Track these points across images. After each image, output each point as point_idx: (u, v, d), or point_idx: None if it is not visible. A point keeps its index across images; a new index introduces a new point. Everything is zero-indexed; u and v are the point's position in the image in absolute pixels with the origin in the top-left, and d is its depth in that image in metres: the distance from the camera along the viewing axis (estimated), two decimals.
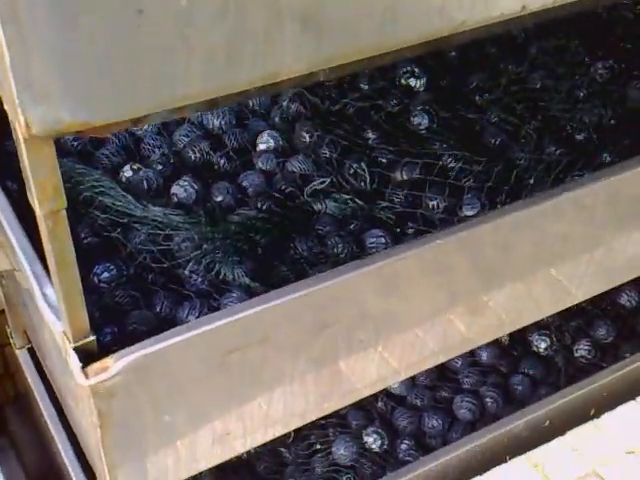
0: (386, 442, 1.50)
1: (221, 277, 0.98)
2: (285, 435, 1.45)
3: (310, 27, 0.66)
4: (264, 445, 1.43)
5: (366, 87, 1.33)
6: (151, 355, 0.76)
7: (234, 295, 0.97)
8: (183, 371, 0.81)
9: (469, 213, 1.14)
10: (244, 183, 1.17)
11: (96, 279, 0.95)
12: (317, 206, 1.11)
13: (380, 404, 1.56)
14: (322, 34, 0.67)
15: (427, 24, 0.72)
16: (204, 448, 0.92)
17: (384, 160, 1.21)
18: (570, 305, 1.28)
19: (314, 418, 1.06)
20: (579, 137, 1.24)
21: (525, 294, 1.18)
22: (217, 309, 0.97)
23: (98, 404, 0.76)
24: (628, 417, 1.45)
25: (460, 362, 1.60)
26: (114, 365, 0.74)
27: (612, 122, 1.26)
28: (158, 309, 0.96)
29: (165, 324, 0.94)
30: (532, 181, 1.15)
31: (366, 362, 1.03)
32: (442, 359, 1.21)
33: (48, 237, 0.69)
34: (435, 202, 1.14)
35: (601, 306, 1.67)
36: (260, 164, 1.22)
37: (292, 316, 0.88)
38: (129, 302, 0.95)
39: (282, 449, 1.48)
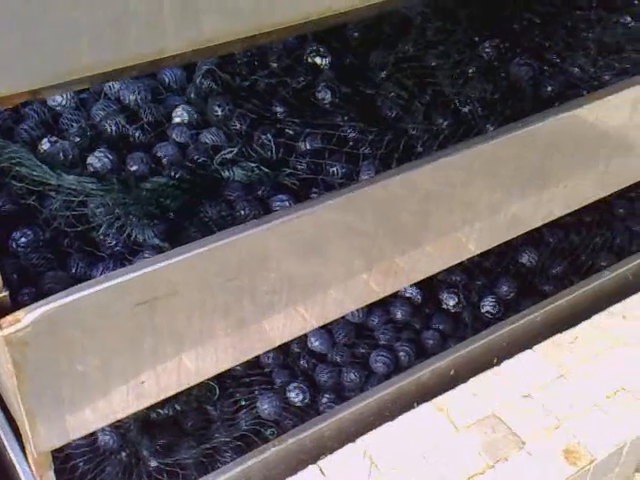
0: (308, 396, 1.61)
1: (133, 239, 1.06)
2: (211, 392, 1.56)
3: (189, 9, 0.74)
4: (190, 403, 1.54)
5: (275, 65, 1.42)
6: (61, 307, 0.84)
7: (146, 255, 1.05)
8: (93, 323, 0.89)
9: (366, 177, 1.25)
10: (158, 153, 1.25)
11: (14, 244, 1.03)
12: (225, 174, 1.20)
13: (303, 362, 1.67)
14: (201, 15, 0.75)
15: (300, 6, 0.81)
16: (119, 397, 1.00)
17: (290, 132, 1.31)
18: (465, 259, 1.40)
19: (226, 367, 1.15)
20: (465, 109, 1.35)
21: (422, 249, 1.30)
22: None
23: (13, 354, 0.84)
24: (525, 364, 1.59)
25: (377, 320, 1.72)
26: (25, 317, 0.82)
27: (495, 96, 1.37)
28: (73, 270, 1.04)
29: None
30: (421, 149, 1.26)
31: (272, 313, 1.13)
32: (347, 309, 1.32)
33: None
34: (335, 168, 1.25)
35: (504, 265, 1.81)
36: (174, 136, 1.30)
37: (196, 270, 0.97)
38: (45, 265, 1.02)
39: (208, 407, 1.57)
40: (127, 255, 1.06)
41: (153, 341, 0.99)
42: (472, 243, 1.34)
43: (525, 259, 1.83)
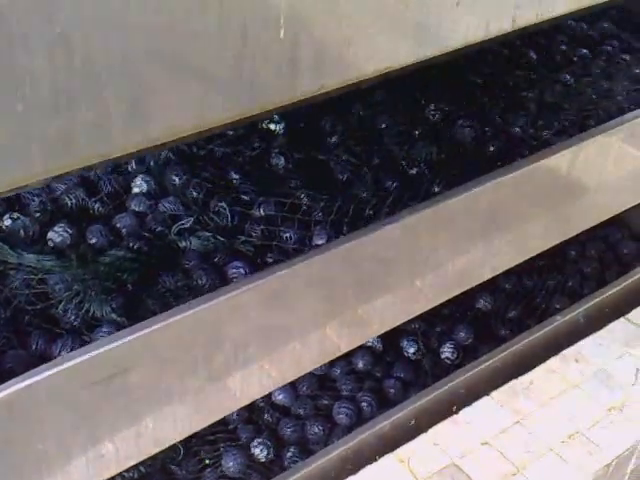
0: (272, 452, 1.63)
1: (91, 314, 1.10)
2: (175, 452, 1.58)
3: (136, 113, 0.79)
4: (155, 464, 1.55)
5: (231, 132, 1.47)
6: (17, 392, 0.87)
7: (104, 330, 1.09)
8: (51, 403, 0.92)
9: (319, 242, 1.30)
10: (118, 225, 1.30)
11: None
12: (182, 243, 1.24)
13: (267, 416, 1.70)
14: (148, 118, 0.81)
15: (237, 104, 0.87)
16: (80, 471, 1.03)
17: (246, 198, 1.36)
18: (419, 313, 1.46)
19: (188, 434, 1.18)
20: (412, 171, 1.42)
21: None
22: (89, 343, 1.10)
23: None
24: (483, 411, 1.64)
25: (339, 371, 1.76)
26: None
27: (441, 157, 1.44)
28: (34, 348, 1.07)
29: (40, 361, 1.05)
30: (371, 212, 1.32)
31: (231, 378, 1.17)
32: (310, 366, 1.37)
33: None
34: (288, 234, 1.30)
35: (461, 311, 1.87)
36: (133, 206, 1.34)
37: (150, 346, 1.01)
38: (6, 344, 1.05)
39: (173, 467, 1.59)
40: (86, 330, 1.09)
41: (112, 416, 1.02)
42: (423, 299, 1.40)
43: (481, 304, 1.89)
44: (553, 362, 1.74)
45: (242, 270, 1.24)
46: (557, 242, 1.67)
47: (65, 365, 0.92)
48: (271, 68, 0.89)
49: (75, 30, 0.72)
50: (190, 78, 0.83)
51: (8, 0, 0.68)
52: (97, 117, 0.78)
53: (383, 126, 1.54)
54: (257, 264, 1.27)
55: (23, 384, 0.89)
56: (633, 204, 1.82)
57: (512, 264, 1.54)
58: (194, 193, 1.35)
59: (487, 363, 1.71)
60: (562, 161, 1.42)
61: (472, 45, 1.08)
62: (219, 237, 1.26)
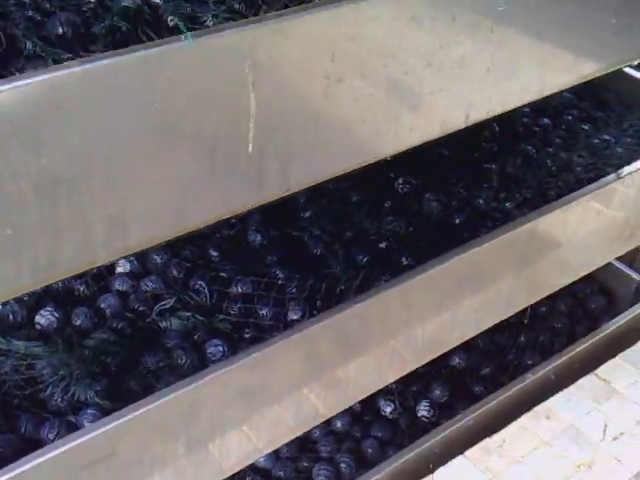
0: None
1: (76, 398, 1.17)
2: None
3: (117, 229, 0.87)
4: None
5: None
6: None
7: (88, 412, 1.16)
8: None
9: (294, 317, 1.38)
10: (102, 305, 1.37)
11: None
12: (163, 324, 1.32)
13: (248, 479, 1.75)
14: (128, 232, 0.89)
15: (209, 211, 0.95)
16: None
17: (224, 276, 1.44)
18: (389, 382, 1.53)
19: None
20: (382, 245, 1.50)
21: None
22: (75, 425, 1.16)
23: None
24: (457, 471, 1.70)
25: (318, 432, 1.82)
26: None
27: (410, 230, 1.53)
28: (22, 431, 1.13)
29: (29, 443, 1.11)
30: (344, 286, 1.40)
31: (212, 456, 1.24)
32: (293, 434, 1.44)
33: None
34: (265, 311, 1.37)
35: (436, 369, 1.94)
36: (117, 286, 1.41)
37: (133, 431, 1.07)
38: None
39: None
40: (72, 413, 1.16)
41: None
42: (392, 370, 1.48)
43: (455, 362, 1.97)
44: (525, 419, 1.81)
45: (220, 348, 1.31)
46: (525, 305, 1.75)
47: (51, 454, 0.99)
48: (240, 179, 0.98)
49: (59, 162, 0.81)
50: (165, 194, 0.91)
51: None
52: (80, 236, 0.86)
53: (354, 199, 1.62)
54: (235, 340, 1.34)
55: (11, 474, 0.95)
56: (600, 264, 1.91)
57: (477, 332, 1.62)
58: (174, 272, 1.43)
59: (461, 422, 1.78)
60: (525, 233, 1.52)
61: (428, 142, 1.18)
62: (198, 316, 1.33)
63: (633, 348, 1.99)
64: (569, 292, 2.15)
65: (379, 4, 1.01)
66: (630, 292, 2.18)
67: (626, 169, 1.66)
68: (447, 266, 1.43)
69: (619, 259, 2.20)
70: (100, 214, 0.86)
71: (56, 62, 1.00)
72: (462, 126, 1.20)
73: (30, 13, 1.11)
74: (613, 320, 2.06)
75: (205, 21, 1.12)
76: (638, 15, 1.38)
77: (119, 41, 1.06)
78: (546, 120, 1.94)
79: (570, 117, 1.95)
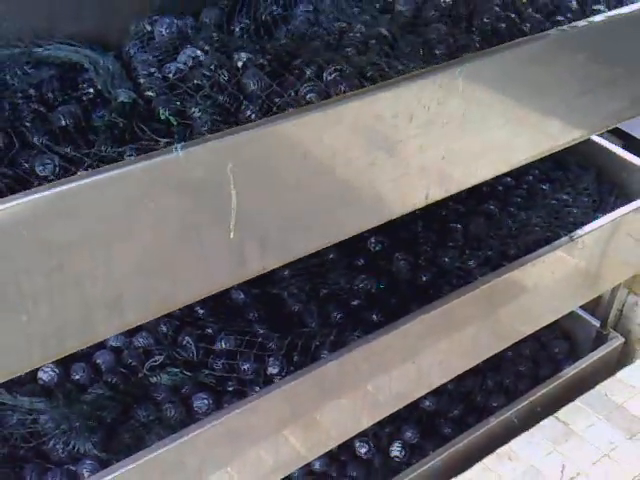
0: None
1: (76, 449, 1.30)
2: None
3: (115, 310, 1.02)
4: None
5: None
6: None
7: (87, 463, 1.29)
8: None
9: (273, 372, 1.52)
10: (97, 360, 1.50)
11: None
12: (154, 379, 1.45)
13: None
14: (124, 311, 1.03)
15: (197, 289, 1.10)
16: None
17: (210, 332, 1.58)
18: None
19: None
20: (354, 303, 1.65)
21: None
22: (75, 475, 1.30)
23: None
24: None
25: (297, 472, 1.95)
26: None
27: (381, 287, 1.68)
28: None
29: None
30: (318, 343, 1.55)
31: None
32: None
33: None
34: (246, 366, 1.51)
35: (408, 412, 2.07)
36: (111, 342, 1.55)
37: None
38: (4, 478, 1.25)
39: None
40: (72, 463, 1.29)
41: None
42: (366, 417, 1.62)
43: (426, 405, 2.11)
44: (489, 460, 1.95)
45: (206, 401, 1.45)
46: (492, 353, 1.90)
47: None
48: (224, 261, 1.12)
49: (69, 259, 0.95)
50: (158, 278, 1.06)
51: (13, 242, 0.91)
52: (84, 318, 1.00)
53: (330, 257, 1.77)
54: (219, 394, 1.48)
55: None
56: (563, 313, 2.07)
57: (442, 382, 1.76)
58: (164, 328, 1.56)
59: (430, 463, 1.92)
60: (488, 292, 1.67)
61: (392, 219, 1.33)
62: (185, 372, 1.47)
63: (591, 392, 2.14)
64: (534, 337, 2.29)
65: (344, 109, 1.17)
66: (590, 338, 2.33)
67: (578, 232, 1.82)
68: (415, 323, 1.58)
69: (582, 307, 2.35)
70: (101, 299, 1.01)
71: (61, 156, 1.15)
72: (423, 204, 1.36)
73: (35, 106, 1.26)
74: (573, 365, 2.21)
75: (193, 114, 1.28)
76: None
77: (117, 135, 1.21)
78: (509, 179, 2.10)
79: (531, 177, 2.11)
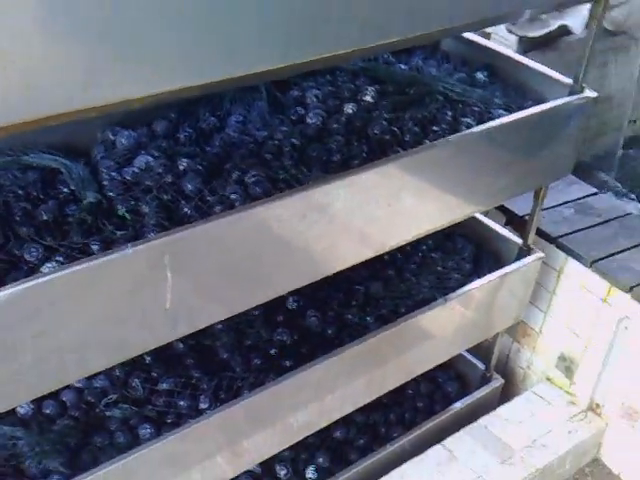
0: None
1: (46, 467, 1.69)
2: None
3: (81, 360, 1.43)
4: None
5: None
6: None
7: (55, 478, 1.68)
8: None
9: (204, 406, 1.92)
10: (64, 398, 1.89)
11: None
12: (108, 413, 1.85)
13: None
14: (88, 362, 1.44)
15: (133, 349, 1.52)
16: None
17: (155, 375, 1.98)
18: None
19: None
20: (272, 351, 2.07)
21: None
22: None
23: None
24: None
25: None
26: None
27: (295, 339, 2.11)
28: None
29: None
30: (240, 384, 1.96)
31: None
32: None
33: None
34: (182, 402, 1.92)
35: (321, 439, 2.48)
36: (75, 383, 1.94)
37: None
38: None
39: None
40: (44, 478, 1.68)
41: None
42: (280, 443, 2.04)
43: (337, 434, 2.52)
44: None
45: (149, 430, 1.85)
46: (385, 391, 2.33)
47: None
48: (158, 327, 1.54)
49: (51, 325, 1.36)
50: (115, 336, 1.47)
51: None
52: (56, 368, 1.41)
53: (254, 313, 2.20)
54: (160, 424, 1.88)
55: None
56: (450, 356, 2.53)
57: (344, 414, 2.19)
58: (117, 372, 1.96)
59: None
60: (381, 340, 2.11)
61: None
62: (133, 407, 1.87)
63: (473, 424, 2.59)
64: (430, 377, 2.74)
65: (254, 212, 1.61)
66: (477, 379, 2.79)
67: (452, 295, 2.29)
68: (321, 367, 2.01)
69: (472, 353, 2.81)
70: (72, 353, 1.42)
71: (43, 246, 1.56)
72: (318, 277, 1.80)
73: (23, 204, 1.67)
74: (460, 401, 2.66)
75: (142, 209, 1.70)
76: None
77: (85, 228, 1.62)
78: (408, 248, 2.56)
79: (425, 246, 2.57)
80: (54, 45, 1.13)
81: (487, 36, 3.56)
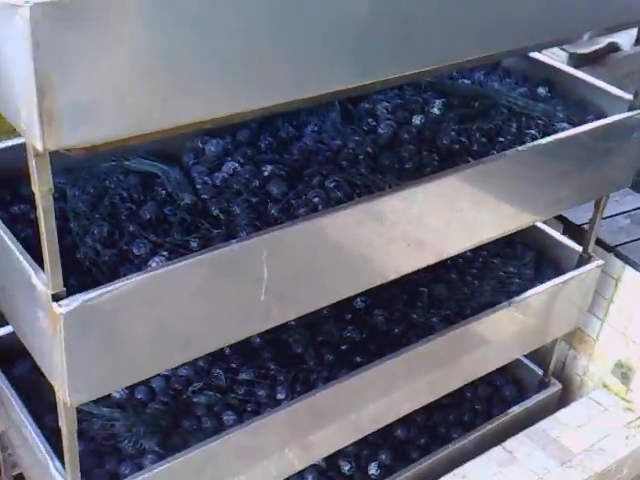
0: None
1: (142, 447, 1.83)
2: None
3: (184, 349, 1.57)
4: None
5: None
6: None
7: (149, 457, 1.83)
8: None
9: (281, 397, 2.05)
10: (153, 385, 2.03)
11: None
12: (196, 399, 1.99)
13: None
14: (190, 350, 1.58)
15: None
16: None
17: (234, 366, 2.11)
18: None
19: None
20: (343, 347, 2.19)
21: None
22: (140, 466, 1.83)
23: None
24: None
25: None
26: None
27: (363, 336, 2.23)
28: (107, 468, 1.79)
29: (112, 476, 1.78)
30: (316, 377, 2.08)
31: None
32: None
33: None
34: (261, 392, 2.05)
35: (383, 438, 2.58)
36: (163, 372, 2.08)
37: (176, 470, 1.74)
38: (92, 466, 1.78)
39: None
40: (139, 457, 1.82)
41: None
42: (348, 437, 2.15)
43: (398, 433, 2.62)
44: (446, 479, 2.46)
45: (232, 416, 1.98)
46: (448, 391, 2.43)
47: None
48: (254, 316, 1.67)
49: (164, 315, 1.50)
50: (214, 327, 1.61)
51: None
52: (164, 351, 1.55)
53: (324, 313, 2.32)
54: (242, 412, 2.02)
55: None
56: (509, 361, 2.61)
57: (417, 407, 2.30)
58: (201, 363, 2.10)
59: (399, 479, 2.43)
60: (447, 340, 2.22)
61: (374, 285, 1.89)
62: (217, 394, 2.00)
63: (532, 428, 2.66)
64: (487, 381, 2.82)
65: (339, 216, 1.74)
66: (535, 384, 2.86)
67: (516, 299, 2.38)
68: (389, 364, 2.12)
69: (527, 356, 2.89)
70: (177, 339, 1.56)
71: (149, 241, 1.70)
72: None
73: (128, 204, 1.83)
74: (519, 404, 2.74)
75: (234, 211, 1.84)
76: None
77: (185, 227, 1.77)
78: (469, 253, 2.66)
79: (486, 252, 2.67)
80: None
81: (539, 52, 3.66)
